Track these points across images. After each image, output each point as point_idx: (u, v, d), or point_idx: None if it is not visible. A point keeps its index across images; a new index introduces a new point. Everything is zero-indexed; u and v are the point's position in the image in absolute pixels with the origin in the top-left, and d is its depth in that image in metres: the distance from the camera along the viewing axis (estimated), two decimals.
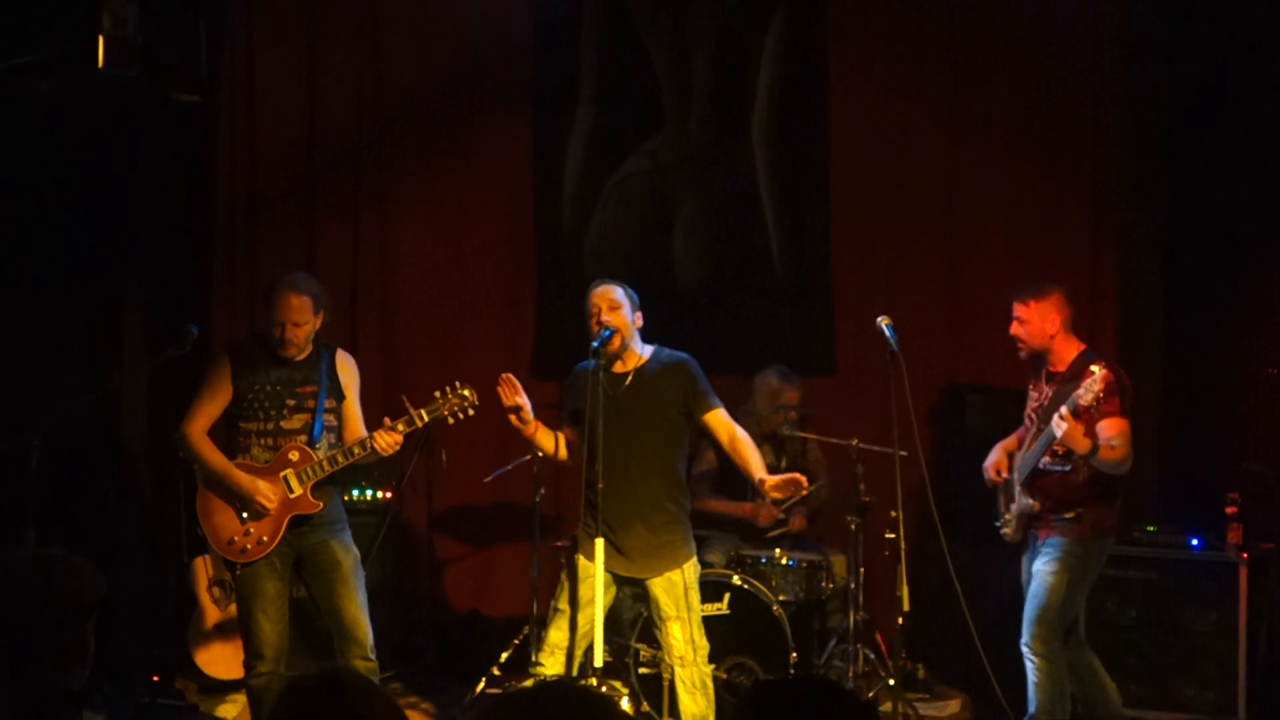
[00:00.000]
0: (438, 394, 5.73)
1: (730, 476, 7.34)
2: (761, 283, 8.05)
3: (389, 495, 7.65)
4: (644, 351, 5.83)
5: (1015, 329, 6.09)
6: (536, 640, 5.76)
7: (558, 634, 5.74)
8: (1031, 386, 6.22)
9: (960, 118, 7.90)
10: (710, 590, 6.55)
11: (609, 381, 5.72)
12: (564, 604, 5.75)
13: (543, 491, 7.17)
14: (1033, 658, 5.97)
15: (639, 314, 5.84)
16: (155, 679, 7.17)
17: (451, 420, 5.76)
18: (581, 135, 8.12)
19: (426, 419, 5.69)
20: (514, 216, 8.22)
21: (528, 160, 8.20)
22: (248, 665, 5.74)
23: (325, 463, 5.67)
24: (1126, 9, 7.65)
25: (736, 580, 6.66)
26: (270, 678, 5.69)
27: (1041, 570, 5.97)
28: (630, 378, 5.77)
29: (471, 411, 5.76)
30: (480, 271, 8.21)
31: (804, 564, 6.94)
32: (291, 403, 5.75)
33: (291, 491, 5.68)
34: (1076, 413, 5.63)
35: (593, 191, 8.12)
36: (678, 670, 5.69)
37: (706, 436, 5.97)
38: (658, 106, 8.09)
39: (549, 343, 8.06)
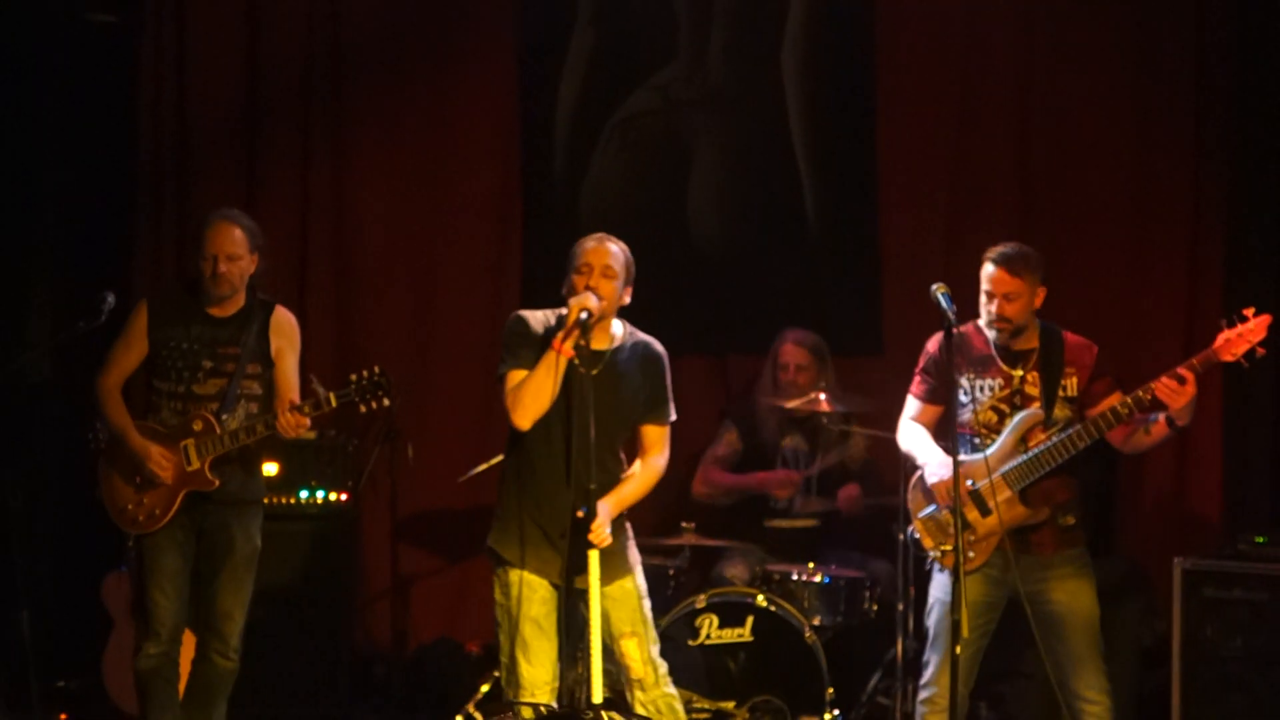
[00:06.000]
0: (353, 376, 5.64)
1: (750, 464, 7.15)
2: (793, 244, 7.62)
3: (345, 497, 7.22)
4: (616, 329, 5.41)
5: (1005, 308, 5.50)
6: (509, 679, 5.32)
7: (533, 670, 5.28)
8: (971, 373, 5.60)
9: (1037, 43, 7.39)
10: (731, 613, 6.33)
11: (583, 359, 5.31)
12: (529, 632, 5.28)
13: None
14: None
15: (629, 290, 5.36)
16: (63, 717, 6.92)
17: (364, 409, 5.66)
18: (578, 65, 7.72)
19: (335, 404, 5.60)
20: (497, 163, 7.81)
21: (513, 94, 7.80)
22: (138, 646, 5.77)
23: (228, 437, 5.65)
24: None
25: (761, 601, 6.36)
26: (161, 659, 5.76)
27: (1081, 594, 5.51)
28: (605, 362, 5.34)
29: (387, 401, 5.64)
30: (456, 229, 7.81)
31: (842, 581, 6.61)
32: (208, 364, 5.73)
33: (189, 464, 5.68)
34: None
35: (591, 133, 7.73)
36: (638, 695, 5.37)
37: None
38: (671, 31, 7.65)
39: None
